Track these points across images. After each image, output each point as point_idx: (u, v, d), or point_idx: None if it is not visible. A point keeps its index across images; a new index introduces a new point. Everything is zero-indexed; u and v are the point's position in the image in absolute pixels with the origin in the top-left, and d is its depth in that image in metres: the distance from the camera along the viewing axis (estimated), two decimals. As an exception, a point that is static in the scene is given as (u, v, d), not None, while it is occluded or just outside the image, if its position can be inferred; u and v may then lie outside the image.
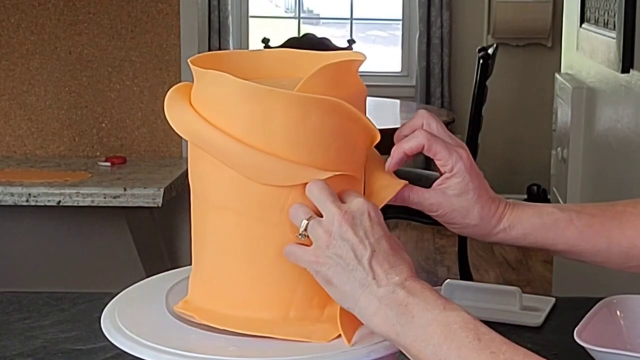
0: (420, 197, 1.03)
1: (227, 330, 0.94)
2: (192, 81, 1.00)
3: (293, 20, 6.03)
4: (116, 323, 0.97)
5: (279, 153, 0.92)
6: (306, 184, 0.92)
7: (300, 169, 0.93)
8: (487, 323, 0.88)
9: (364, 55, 1.01)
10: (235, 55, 1.06)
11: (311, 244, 0.90)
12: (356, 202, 0.91)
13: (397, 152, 1.02)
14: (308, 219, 0.90)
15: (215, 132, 0.94)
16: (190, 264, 1.04)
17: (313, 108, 0.93)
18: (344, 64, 0.97)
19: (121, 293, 1.05)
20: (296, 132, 0.92)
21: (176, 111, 0.99)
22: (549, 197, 4.23)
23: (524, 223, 1.05)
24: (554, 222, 1.05)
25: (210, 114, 0.95)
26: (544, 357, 0.85)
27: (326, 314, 0.95)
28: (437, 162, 1.02)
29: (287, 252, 0.92)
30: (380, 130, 1.00)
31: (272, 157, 0.92)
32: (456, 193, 1.02)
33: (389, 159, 1.02)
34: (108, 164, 2.70)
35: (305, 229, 0.90)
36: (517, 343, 0.86)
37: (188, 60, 0.98)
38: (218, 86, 0.95)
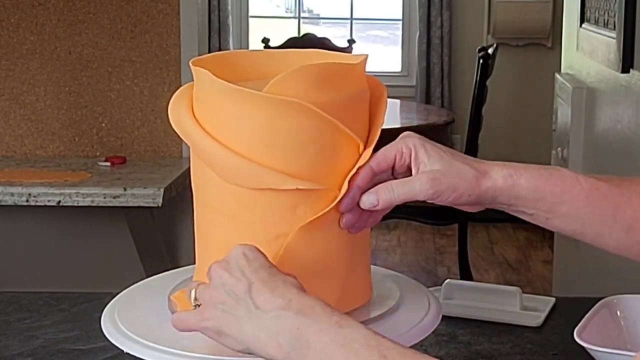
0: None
1: None
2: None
3: (293, 20, 6.03)
4: (116, 323, 0.97)
5: (253, 155, 0.92)
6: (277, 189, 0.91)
7: (268, 173, 0.92)
8: (487, 323, 0.88)
9: (359, 57, 0.98)
10: (240, 55, 1.06)
11: None
12: (233, 250, 0.89)
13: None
14: (195, 288, 0.89)
15: (198, 132, 0.95)
16: (191, 264, 1.04)
17: (280, 110, 0.91)
18: (327, 66, 0.95)
19: (121, 293, 1.05)
20: (267, 134, 0.92)
21: (175, 111, 1.00)
22: (549, 197, 4.22)
23: (531, 172, 0.99)
24: (561, 178, 1.00)
25: (199, 113, 0.97)
26: (543, 357, 0.85)
27: None
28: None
29: (174, 320, 0.90)
30: (380, 130, 0.99)
31: (243, 159, 0.92)
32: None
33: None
34: (108, 164, 2.70)
35: (195, 298, 0.89)
36: (517, 343, 0.86)
37: (190, 63, 0.98)
38: (203, 84, 0.96)
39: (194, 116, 0.97)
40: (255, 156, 0.92)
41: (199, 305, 0.88)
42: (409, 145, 0.97)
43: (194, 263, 1.03)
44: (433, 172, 0.96)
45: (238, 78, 0.99)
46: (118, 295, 1.04)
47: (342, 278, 0.98)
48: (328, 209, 0.93)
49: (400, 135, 0.99)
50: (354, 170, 0.94)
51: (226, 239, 0.94)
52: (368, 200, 0.96)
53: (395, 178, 0.98)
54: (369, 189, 0.97)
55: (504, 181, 0.99)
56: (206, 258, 0.98)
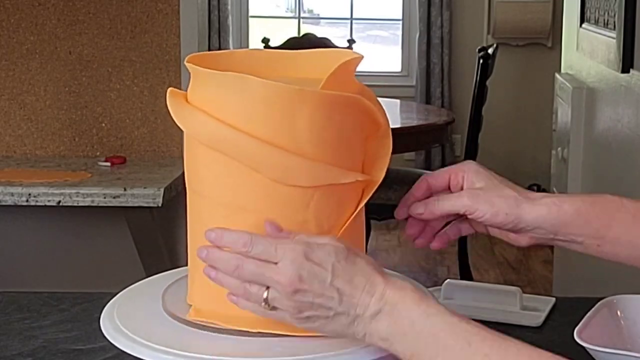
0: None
1: (224, 329, 0.94)
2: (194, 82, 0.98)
3: (293, 20, 6.03)
4: (115, 323, 0.97)
5: (305, 153, 0.92)
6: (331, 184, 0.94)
7: (327, 169, 0.93)
8: (486, 323, 0.88)
9: (358, 54, 1.00)
10: (228, 55, 1.05)
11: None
12: (289, 257, 0.88)
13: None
14: (266, 295, 0.89)
15: (239, 135, 0.92)
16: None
17: (337, 105, 0.93)
18: (351, 62, 0.97)
19: (120, 293, 1.05)
20: (322, 130, 0.92)
21: (187, 114, 0.96)
22: (549, 197, 4.22)
23: (574, 198, 1.04)
24: (604, 201, 1.04)
25: (225, 115, 0.93)
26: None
27: None
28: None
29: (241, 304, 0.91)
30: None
31: (298, 157, 0.92)
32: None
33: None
34: (108, 164, 2.70)
35: (266, 302, 0.90)
36: (517, 343, 0.86)
37: (186, 63, 0.97)
38: (238, 88, 0.93)
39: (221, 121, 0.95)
40: (307, 154, 0.93)
41: (272, 307, 0.90)
42: (464, 169, 1.06)
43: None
44: (476, 190, 1.05)
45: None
46: (117, 296, 1.04)
47: None
48: (371, 193, 0.98)
49: (461, 161, 1.10)
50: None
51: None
52: (415, 208, 1.06)
53: None
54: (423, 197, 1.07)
55: (548, 208, 1.04)
56: None
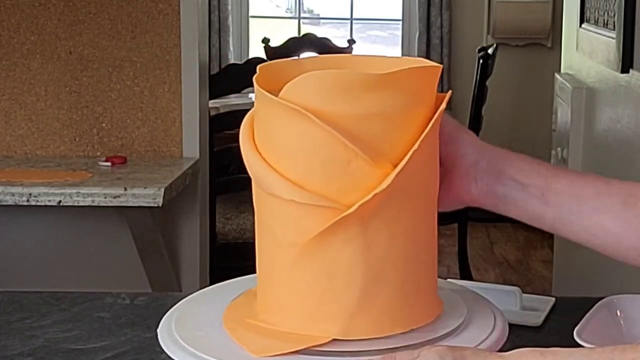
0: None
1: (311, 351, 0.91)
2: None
3: (293, 20, 6.03)
4: (173, 335, 0.94)
5: (280, 164, 0.90)
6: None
7: (279, 181, 0.90)
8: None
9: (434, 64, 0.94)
10: (297, 64, 1.00)
11: None
12: None
13: None
14: None
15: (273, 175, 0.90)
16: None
17: (287, 118, 0.89)
18: (343, 75, 0.90)
19: (178, 303, 1.01)
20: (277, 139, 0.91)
21: (245, 149, 0.94)
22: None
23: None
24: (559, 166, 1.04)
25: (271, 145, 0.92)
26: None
27: (305, 327, 0.92)
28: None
29: None
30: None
31: (268, 167, 0.90)
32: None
33: None
34: (108, 163, 2.70)
35: None
36: (517, 343, 0.86)
37: (258, 85, 0.92)
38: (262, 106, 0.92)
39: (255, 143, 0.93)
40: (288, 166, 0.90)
41: None
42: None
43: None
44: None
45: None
46: (175, 306, 1.01)
47: (369, 298, 0.92)
48: (329, 224, 0.89)
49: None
50: (370, 196, 0.88)
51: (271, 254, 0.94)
52: None
53: None
54: None
55: (502, 149, 1.01)
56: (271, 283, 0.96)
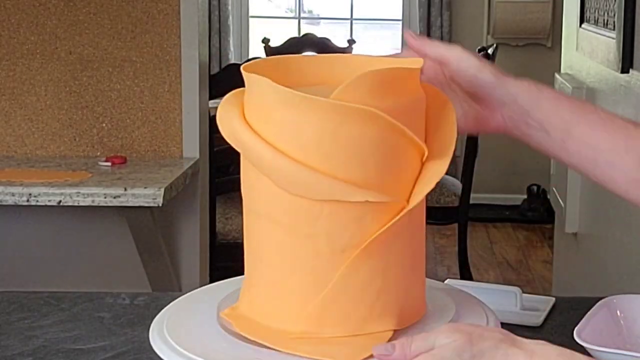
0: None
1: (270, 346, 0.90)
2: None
3: (293, 20, 6.03)
4: (165, 337, 0.94)
5: (314, 164, 0.88)
6: (341, 201, 0.88)
7: (334, 184, 0.88)
8: (487, 323, 0.88)
9: (420, 61, 0.97)
10: (294, 60, 1.01)
11: None
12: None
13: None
14: None
15: (255, 140, 0.90)
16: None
17: (348, 117, 0.87)
18: (390, 71, 0.92)
19: (168, 306, 1.01)
20: (330, 142, 0.88)
21: (227, 119, 0.94)
22: (548, 197, 4.23)
23: (553, 89, 1.08)
24: (581, 102, 1.07)
25: (254, 120, 0.91)
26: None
27: (363, 328, 0.91)
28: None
29: None
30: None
31: (306, 168, 0.88)
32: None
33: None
34: (108, 163, 2.70)
35: None
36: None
37: (242, 69, 0.94)
38: (259, 91, 0.91)
39: (248, 124, 0.92)
40: (316, 165, 0.88)
41: None
42: (450, 58, 1.11)
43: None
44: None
45: (291, 84, 0.94)
46: (165, 308, 1.01)
47: (402, 293, 0.94)
48: (395, 219, 0.90)
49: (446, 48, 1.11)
50: (427, 188, 0.91)
51: (282, 251, 0.91)
52: (410, 38, 1.07)
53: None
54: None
55: (529, 86, 1.08)
56: (257, 269, 0.95)
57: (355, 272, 0.90)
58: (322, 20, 6.26)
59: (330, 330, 0.91)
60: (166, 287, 2.70)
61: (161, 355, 0.92)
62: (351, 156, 0.88)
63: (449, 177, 4.26)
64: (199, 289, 1.08)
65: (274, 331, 0.91)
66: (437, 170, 0.93)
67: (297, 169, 0.88)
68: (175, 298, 1.05)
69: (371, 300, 0.91)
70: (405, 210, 0.90)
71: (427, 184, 0.92)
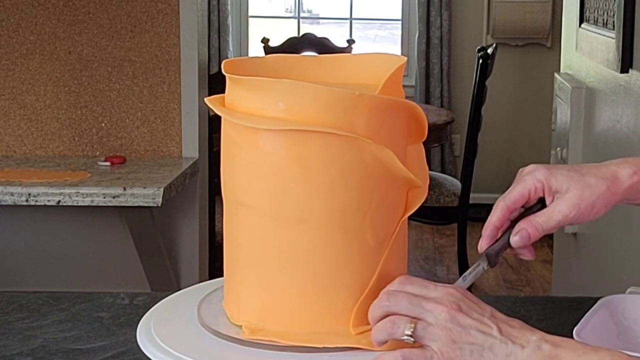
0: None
1: (286, 346, 0.92)
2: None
3: (293, 20, 6.03)
4: (152, 336, 0.95)
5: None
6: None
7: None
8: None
9: (403, 59, 1.01)
10: (261, 61, 1.04)
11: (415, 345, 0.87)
12: (446, 292, 0.88)
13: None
14: (413, 327, 0.86)
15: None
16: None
17: (393, 110, 0.95)
18: (401, 67, 0.99)
19: (155, 306, 1.03)
20: (376, 135, 0.93)
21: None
22: (548, 197, 4.22)
23: None
24: None
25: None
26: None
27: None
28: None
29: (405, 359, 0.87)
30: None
31: None
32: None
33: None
34: (108, 163, 2.70)
35: (412, 335, 0.86)
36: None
37: (227, 73, 0.96)
38: (292, 94, 0.92)
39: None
40: None
41: (414, 341, 0.87)
42: (541, 179, 1.05)
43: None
44: (570, 198, 1.03)
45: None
46: (152, 308, 1.02)
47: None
48: (419, 202, 0.99)
49: (527, 171, 1.07)
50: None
51: (313, 252, 0.94)
52: (520, 239, 1.03)
53: (525, 209, 1.05)
54: (504, 224, 1.04)
55: (630, 180, 1.05)
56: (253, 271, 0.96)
57: (390, 262, 0.96)
58: (321, 20, 6.26)
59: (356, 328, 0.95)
60: (165, 287, 2.70)
61: (147, 354, 0.94)
62: (390, 147, 0.96)
63: (448, 177, 4.26)
64: (186, 289, 1.10)
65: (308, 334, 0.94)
66: (423, 154, 1.05)
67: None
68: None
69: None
70: (423, 192, 0.99)
71: (424, 167, 1.03)
